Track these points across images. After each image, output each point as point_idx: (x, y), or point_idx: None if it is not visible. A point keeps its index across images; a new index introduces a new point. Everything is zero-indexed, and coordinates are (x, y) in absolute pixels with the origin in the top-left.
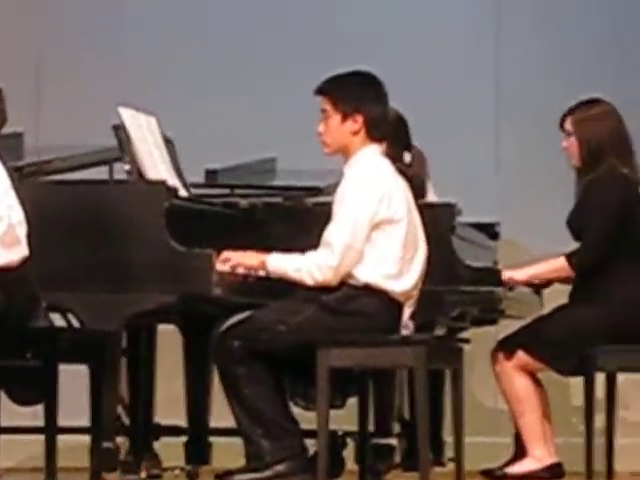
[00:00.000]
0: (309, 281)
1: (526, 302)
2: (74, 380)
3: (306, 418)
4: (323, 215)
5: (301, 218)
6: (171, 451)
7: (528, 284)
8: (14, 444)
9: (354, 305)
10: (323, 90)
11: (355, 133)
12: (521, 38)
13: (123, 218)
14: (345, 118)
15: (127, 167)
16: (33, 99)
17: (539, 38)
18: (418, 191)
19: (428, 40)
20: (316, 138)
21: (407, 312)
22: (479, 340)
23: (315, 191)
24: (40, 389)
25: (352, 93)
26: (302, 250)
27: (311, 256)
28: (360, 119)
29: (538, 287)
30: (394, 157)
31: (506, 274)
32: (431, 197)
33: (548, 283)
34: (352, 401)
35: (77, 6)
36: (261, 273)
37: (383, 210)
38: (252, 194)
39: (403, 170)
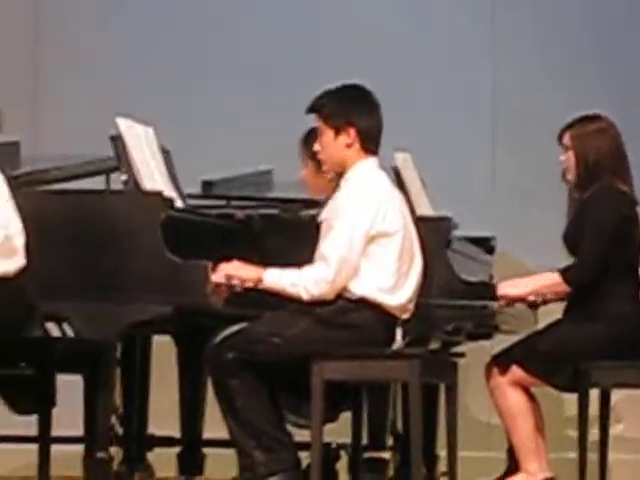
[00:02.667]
0: (305, 296)
1: (520, 317)
2: (68, 390)
3: (300, 430)
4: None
5: (297, 230)
6: (164, 462)
7: (522, 300)
8: (7, 453)
9: (349, 318)
10: (313, 108)
11: (349, 146)
12: (519, 52)
13: (119, 229)
14: (338, 133)
15: (124, 177)
16: (31, 108)
17: (537, 52)
18: None
19: (426, 52)
20: None
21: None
22: (474, 354)
23: (312, 203)
24: (36, 399)
25: (341, 107)
26: (298, 263)
27: (307, 271)
28: (353, 132)
29: (533, 305)
30: None
31: (501, 290)
32: (426, 210)
33: (544, 302)
34: (346, 414)
35: (77, 16)
36: (252, 285)
37: (379, 223)
38: (248, 206)
39: None
